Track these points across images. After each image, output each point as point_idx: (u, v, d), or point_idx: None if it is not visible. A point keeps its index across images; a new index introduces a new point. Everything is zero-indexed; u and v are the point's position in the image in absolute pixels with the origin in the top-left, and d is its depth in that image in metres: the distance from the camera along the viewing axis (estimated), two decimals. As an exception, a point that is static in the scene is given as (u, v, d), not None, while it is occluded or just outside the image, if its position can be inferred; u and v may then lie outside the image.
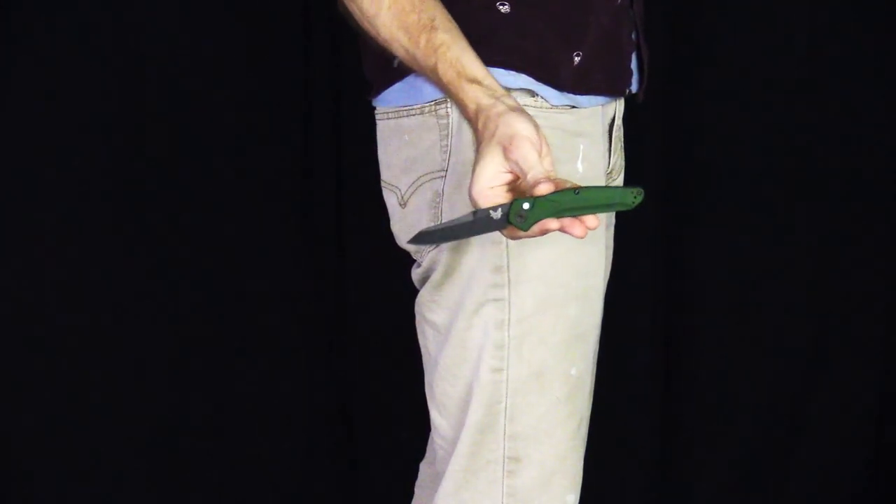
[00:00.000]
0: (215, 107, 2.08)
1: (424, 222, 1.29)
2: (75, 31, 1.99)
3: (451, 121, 1.25)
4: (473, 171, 1.11)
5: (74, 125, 2.01)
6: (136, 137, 2.05)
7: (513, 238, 1.12)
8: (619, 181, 1.48)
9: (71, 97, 2.00)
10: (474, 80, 1.15)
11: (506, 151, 1.09)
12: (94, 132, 2.03)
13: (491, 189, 1.10)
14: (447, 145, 1.26)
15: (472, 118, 1.15)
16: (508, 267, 1.25)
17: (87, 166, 2.03)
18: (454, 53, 1.16)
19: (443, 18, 1.18)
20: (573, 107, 1.28)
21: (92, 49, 2.00)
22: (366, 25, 1.21)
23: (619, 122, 1.41)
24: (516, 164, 1.09)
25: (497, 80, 1.17)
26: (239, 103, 2.09)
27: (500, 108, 1.12)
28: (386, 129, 1.34)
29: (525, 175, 1.08)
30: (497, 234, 1.24)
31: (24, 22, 1.97)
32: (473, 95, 1.15)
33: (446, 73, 1.16)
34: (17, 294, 2.05)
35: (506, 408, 1.27)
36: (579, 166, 1.27)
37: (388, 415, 2.24)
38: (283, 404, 2.21)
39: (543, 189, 1.07)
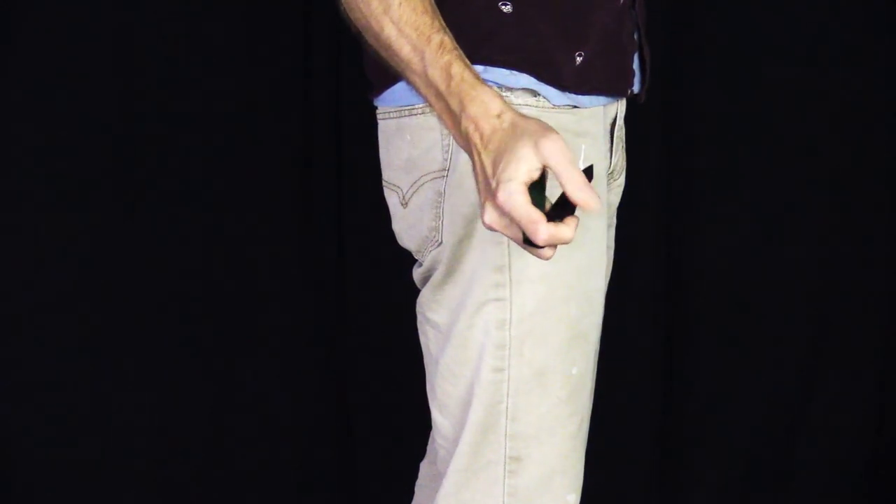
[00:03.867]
0: (215, 106, 2.08)
1: (426, 222, 1.29)
2: (75, 30, 1.99)
3: (452, 121, 1.25)
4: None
5: (74, 125, 2.01)
6: (135, 136, 2.05)
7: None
8: (621, 181, 1.48)
9: (70, 96, 2.00)
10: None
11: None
12: (94, 131, 2.03)
13: None
14: (448, 145, 1.26)
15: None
16: (510, 266, 1.25)
17: (86, 166, 2.03)
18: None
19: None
20: (575, 107, 1.28)
21: (91, 48, 2.00)
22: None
23: (620, 122, 1.42)
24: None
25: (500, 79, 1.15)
26: (239, 102, 2.09)
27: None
28: (388, 129, 1.34)
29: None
30: (499, 233, 1.24)
31: (20, 18, 1.97)
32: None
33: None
34: (16, 294, 2.05)
35: (507, 407, 1.27)
36: (580, 166, 1.27)
37: (388, 415, 2.24)
38: (283, 404, 2.21)
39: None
